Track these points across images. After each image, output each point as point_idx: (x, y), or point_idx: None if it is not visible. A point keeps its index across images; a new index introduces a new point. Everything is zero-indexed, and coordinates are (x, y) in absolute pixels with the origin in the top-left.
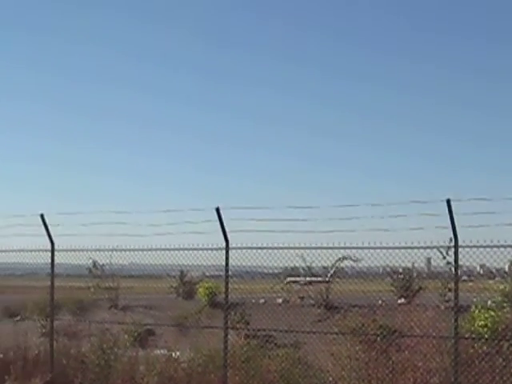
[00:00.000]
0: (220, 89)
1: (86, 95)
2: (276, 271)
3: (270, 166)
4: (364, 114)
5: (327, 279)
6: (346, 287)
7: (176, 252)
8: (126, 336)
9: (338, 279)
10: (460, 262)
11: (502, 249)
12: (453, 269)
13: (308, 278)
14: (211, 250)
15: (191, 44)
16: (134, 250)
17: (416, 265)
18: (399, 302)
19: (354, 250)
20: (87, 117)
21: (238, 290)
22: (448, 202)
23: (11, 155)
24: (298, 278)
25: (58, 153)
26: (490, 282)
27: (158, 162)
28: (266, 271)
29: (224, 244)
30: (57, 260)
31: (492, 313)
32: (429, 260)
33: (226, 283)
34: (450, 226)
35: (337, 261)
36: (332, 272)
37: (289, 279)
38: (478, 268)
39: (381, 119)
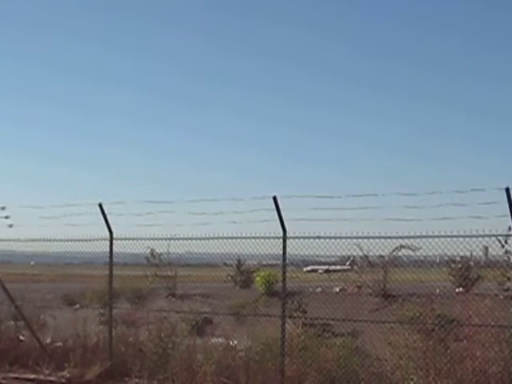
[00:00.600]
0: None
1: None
2: (332, 260)
3: (324, 152)
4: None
5: (346, 267)
6: (404, 276)
7: (233, 240)
8: (183, 324)
9: (395, 268)
10: None
11: None
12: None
13: (327, 267)
14: (268, 238)
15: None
16: (191, 238)
17: (474, 253)
18: (457, 291)
19: (411, 239)
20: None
21: (295, 278)
22: (507, 190)
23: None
24: (316, 267)
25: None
26: None
27: (220, 148)
28: (322, 260)
29: (281, 233)
30: (115, 249)
31: None
32: (486, 249)
33: (284, 272)
34: (510, 214)
35: (394, 250)
36: (351, 260)
37: (308, 268)
38: None
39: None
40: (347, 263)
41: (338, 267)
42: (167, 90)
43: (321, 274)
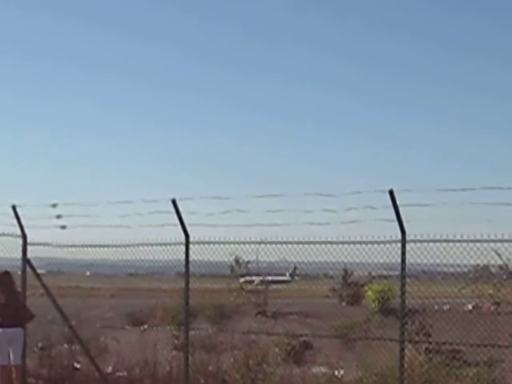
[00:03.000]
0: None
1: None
2: (464, 270)
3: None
4: None
5: (288, 278)
6: None
7: (339, 246)
8: (276, 350)
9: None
10: None
11: None
12: None
13: (269, 278)
14: (383, 243)
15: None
16: (285, 242)
17: None
18: None
19: None
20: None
21: (416, 293)
22: None
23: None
24: (253, 278)
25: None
26: None
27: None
28: (450, 270)
29: (399, 235)
30: (191, 256)
31: None
32: None
33: (403, 285)
34: None
35: None
36: (292, 271)
37: (243, 279)
38: None
39: None
40: (287, 274)
41: (280, 278)
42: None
43: (257, 285)
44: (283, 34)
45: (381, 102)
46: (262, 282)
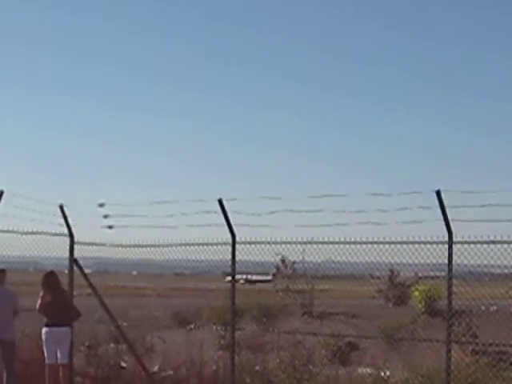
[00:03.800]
0: None
1: None
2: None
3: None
4: None
5: (270, 278)
6: None
7: (385, 246)
8: (322, 350)
9: None
10: None
11: None
12: None
13: (249, 277)
14: (430, 243)
15: None
16: (331, 242)
17: None
18: None
19: None
20: None
21: (463, 294)
22: None
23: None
24: (238, 276)
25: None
26: None
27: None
28: (497, 271)
29: (446, 236)
30: (237, 256)
31: None
32: None
33: (449, 286)
34: None
35: None
36: (275, 271)
37: (228, 278)
38: None
39: None
40: (271, 273)
41: (262, 278)
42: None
43: (242, 284)
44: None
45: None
46: (246, 280)
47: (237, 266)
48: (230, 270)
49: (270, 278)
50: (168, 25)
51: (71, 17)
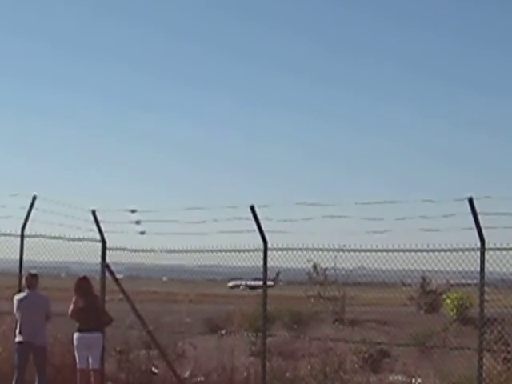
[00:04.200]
0: None
1: None
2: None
3: None
4: None
5: (270, 283)
6: None
7: (417, 254)
8: (354, 357)
9: None
10: None
11: None
12: None
13: (251, 282)
14: (462, 251)
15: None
16: (363, 250)
17: None
18: None
19: None
20: None
21: (495, 302)
22: None
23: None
24: (238, 282)
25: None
26: None
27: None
28: None
29: (478, 243)
30: (269, 262)
31: None
32: None
33: (481, 293)
34: None
35: None
36: (275, 276)
37: (232, 283)
38: None
39: None
40: (272, 278)
41: (259, 283)
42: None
43: (243, 289)
44: None
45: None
46: (246, 286)
47: (268, 272)
48: (261, 276)
49: (271, 283)
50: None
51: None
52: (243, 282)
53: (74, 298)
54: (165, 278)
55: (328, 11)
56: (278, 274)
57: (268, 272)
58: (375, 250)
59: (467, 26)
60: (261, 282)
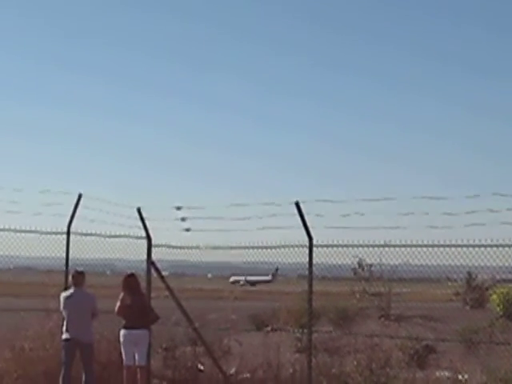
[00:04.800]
0: None
1: None
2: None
3: None
4: None
5: (269, 279)
6: None
7: (463, 249)
8: (400, 353)
9: None
10: None
11: None
12: None
13: (249, 278)
14: (508, 246)
15: None
16: (409, 245)
17: None
18: None
19: None
20: None
21: None
22: None
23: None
24: (238, 278)
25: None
26: None
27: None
28: None
29: None
30: (314, 258)
31: None
32: None
33: None
34: None
35: None
36: (274, 271)
37: (232, 279)
38: None
39: None
40: (269, 274)
41: (261, 279)
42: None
43: (242, 285)
44: None
45: None
46: (246, 281)
47: (313, 268)
48: (306, 272)
49: (269, 278)
50: None
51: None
52: (242, 278)
53: (120, 295)
54: (209, 275)
55: None
56: (277, 270)
57: (314, 268)
58: (421, 246)
59: None
60: (260, 278)
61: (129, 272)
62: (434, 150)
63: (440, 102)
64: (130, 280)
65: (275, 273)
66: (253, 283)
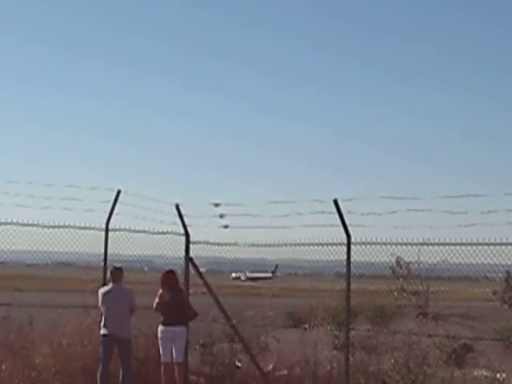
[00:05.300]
0: None
1: None
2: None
3: None
4: None
5: (269, 275)
6: None
7: (500, 247)
8: (437, 352)
9: None
10: None
11: None
12: None
13: (250, 274)
14: None
15: None
16: (447, 244)
17: None
18: None
19: None
20: None
21: None
22: None
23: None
24: (238, 274)
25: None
26: None
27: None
28: None
29: None
30: (352, 256)
31: None
32: None
33: None
34: None
35: None
36: (274, 268)
37: (234, 275)
38: None
39: None
40: (270, 271)
41: (262, 275)
42: None
43: (244, 281)
44: None
45: None
46: (247, 277)
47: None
48: (344, 270)
49: (269, 275)
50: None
51: None
52: (243, 274)
53: (159, 291)
54: (247, 272)
55: None
56: (276, 267)
57: (352, 266)
58: (459, 244)
59: None
60: (260, 274)
61: (168, 268)
62: (470, 148)
63: (469, 99)
64: (169, 276)
65: (275, 270)
66: (253, 279)
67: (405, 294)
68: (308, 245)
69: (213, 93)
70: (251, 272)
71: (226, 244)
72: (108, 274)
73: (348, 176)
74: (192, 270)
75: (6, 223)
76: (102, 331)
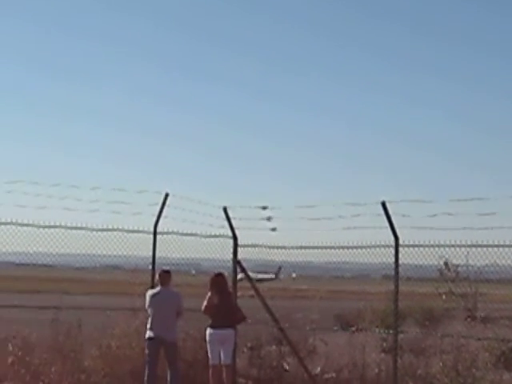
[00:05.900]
0: None
1: None
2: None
3: None
4: None
5: (272, 276)
6: None
7: None
8: (486, 355)
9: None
10: None
11: None
12: None
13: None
14: None
15: None
16: (496, 246)
17: None
18: None
19: None
20: None
21: None
22: None
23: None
24: (240, 275)
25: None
26: None
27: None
28: None
29: None
30: (400, 259)
31: None
32: None
33: None
34: None
35: None
36: (277, 270)
37: (239, 276)
38: None
39: None
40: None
41: (266, 276)
42: None
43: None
44: None
45: None
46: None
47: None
48: (392, 272)
49: (273, 276)
50: None
51: None
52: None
53: (208, 294)
54: (293, 275)
55: None
56: (280, 269)
57: (400, 268)
58: (508, 246)
59: None
60: (264, 276)
61: (216, 271)
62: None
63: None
64: (218, 279)
65: (278, 271)
66: (259, 280)
67: (453, 297)
68: (355, 247)
69: (260, 98)
70: (255, 273)
71: (274, 247)
72: (156, 277)
73: (396, 179)
74: (239, 275)
75: (53, 226)
76: (148, 334)
